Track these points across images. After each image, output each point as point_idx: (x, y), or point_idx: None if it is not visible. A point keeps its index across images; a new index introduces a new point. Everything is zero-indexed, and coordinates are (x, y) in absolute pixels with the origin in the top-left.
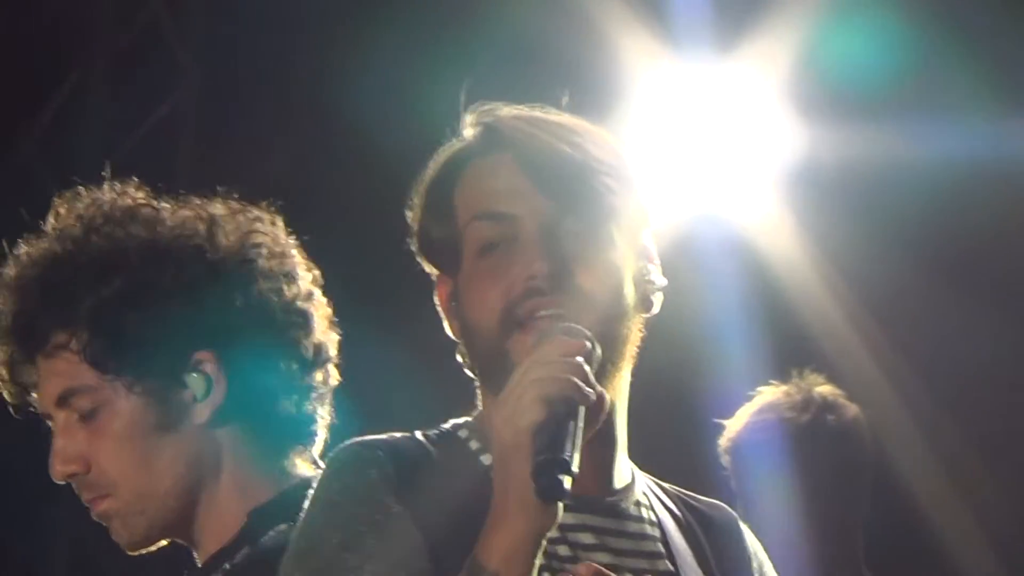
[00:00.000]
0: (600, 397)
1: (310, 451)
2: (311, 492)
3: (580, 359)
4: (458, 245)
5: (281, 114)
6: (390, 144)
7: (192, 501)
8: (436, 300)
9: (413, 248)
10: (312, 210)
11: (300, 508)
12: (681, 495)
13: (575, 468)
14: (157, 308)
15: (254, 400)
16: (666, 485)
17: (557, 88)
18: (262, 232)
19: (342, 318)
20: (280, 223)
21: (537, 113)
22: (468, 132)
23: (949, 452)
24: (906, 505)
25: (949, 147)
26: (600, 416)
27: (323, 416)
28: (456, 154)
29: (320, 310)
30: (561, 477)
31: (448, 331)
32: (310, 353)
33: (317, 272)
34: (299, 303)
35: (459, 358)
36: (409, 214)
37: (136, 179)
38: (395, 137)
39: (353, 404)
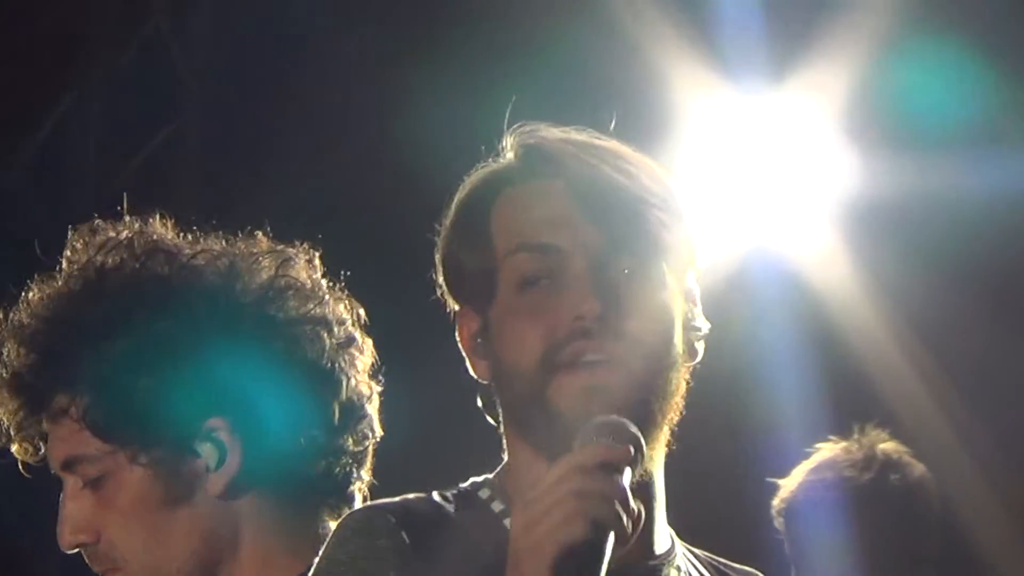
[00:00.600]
0: (636, 519)
1: None
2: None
3: (625, 478)
4: (493, 277)
5: (297, 139)
6: (424, 173)
7: None
8: (458, 337)
9: (438, 279)
10: (339, 246)
11: None
12: (713, 561)
13: None
14: (166, 371)
15: (274, 468)
16: (697, 551)
17: (605, 114)
18: (291, 277)
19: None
20: (316, 262)
21: (585, 137)
22: (509, 153)
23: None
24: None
25: (1008, 181)
26: (633, 538)
27: (361, 478)
28: (495, 176)
29: (359, 358)
30: None
31: (472, 372)
32: (338, 415)
33: (361, 311)
34: (326, 361)
35: (480, 403)
36: (436, 240)
37: (132, 210)
38: (429, 165)
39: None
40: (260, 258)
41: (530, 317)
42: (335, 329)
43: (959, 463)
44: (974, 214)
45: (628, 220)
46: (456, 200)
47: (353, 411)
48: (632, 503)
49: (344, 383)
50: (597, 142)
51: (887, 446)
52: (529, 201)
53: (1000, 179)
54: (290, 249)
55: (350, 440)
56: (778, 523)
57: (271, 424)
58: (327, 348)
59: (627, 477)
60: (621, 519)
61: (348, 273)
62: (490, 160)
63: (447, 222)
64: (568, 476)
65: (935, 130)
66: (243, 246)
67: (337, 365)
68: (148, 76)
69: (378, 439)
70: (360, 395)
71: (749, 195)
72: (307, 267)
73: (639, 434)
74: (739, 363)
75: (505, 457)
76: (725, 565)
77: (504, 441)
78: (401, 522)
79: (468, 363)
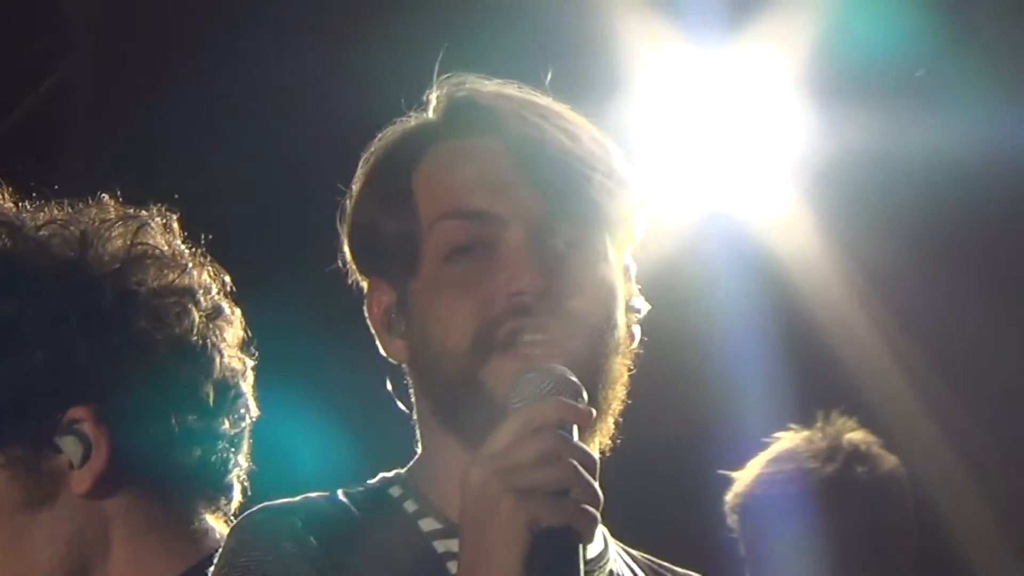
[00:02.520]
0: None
1: (225, 507)
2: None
3: (585, 461)
4: (415, 245)
5: (198, 94)
6: (334, 133)
7: None
8: (368, 313)
9: (344, 249)
10: (233, 213)
11: None
12: (652, 564)
13: None
14: (16, 358)
15: (145, 460)
16: (634, 552)
17: (546, 67)
18: (148, 244)
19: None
20: (175, 227)
21: (521, 92)
22: (436, 107)
23: (1012, 512)
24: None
25: (973, 136)
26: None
27: (239, 464)
28: (420, 131)
29: (229, 330)
30: None
31: (384, 352)
32: (211, 397)
33: (227, 278)
34: (195, 338)
35: (391, 387)
36: (345, 204)
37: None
38: (341, 124)
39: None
40: (112, 225)
41: (461, 291)
42: (201, 299)
43: (939, 455)
44: (941, 171)
45: (572, 186)
46: (372, 157)
47: (227, 390)
48: (598, 491)
49: (217, 360)
50: (535, 99)
51: (854, 436)
52: (460, 161)
53: (965, 134)
54: (145, 213)
55: (226, 423)
56: (731, 520)
57: (139, 411)
58: (195, 322)
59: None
60: (591, 525)
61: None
62: (412, 115)
63: (360, 183)
64: (513, 466)
65: (897, 85)
66: (93, 212)
67: (208, 340)
68: (31, 20)
69: (254, 419)
70: (234, 372)
71: (704, 156)
72: (165, 232)
73: (584, 390)
74: (691, 341)
75: (419, 449)
76: (665, 568)
77: (419, 431)
78: (307, 525)
79: (379, 342)
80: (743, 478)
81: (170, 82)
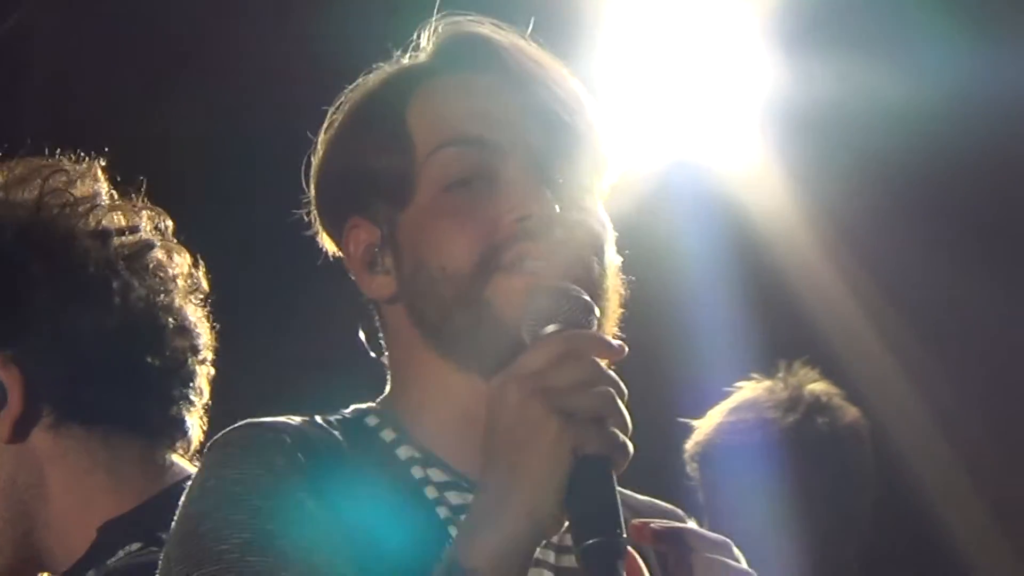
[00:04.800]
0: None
1: (182, 444)
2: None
3: (620, 391)
4: (409, 179)
5: (158, 42)
6: (314, 83)
7: (26, 527)
8: (347, 253)
9: (318, 186)
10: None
11: (163, 520)
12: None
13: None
14: None
15: (66, 400)
16: None
17: (514, 13)
18: (61, 189)
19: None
20: (99, 172)
21: (514, 35)
22: (429, 45)
23: (978, 463)
24: (920, 532)
25: (941, 81)
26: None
27: (189, 400)
28: (414, 68)
29: (165, 267)
30: (620, 569)
31: (365, 290)
32: (123, 334)
33: (168, 221)
34: (101, 277)
35: (362, 330)
36: (320, 144)
37: None
38: (318, 75)
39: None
40: (27, 175)
41: (462, 217)
42: (116, 240)
43: (903, 407)
44: (911, 120)
45: (567, 125)
46: (358, 97)
47: (152, 327)
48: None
49: (131, 298)
50: (524, 41)
51: (816, 387)
52: (460, 93)
53: (936, 82)
54: (65, 162)
55: (153, 358)
56: (691, 468)
57: (49, 353)
58: (102, 262)
59: None
60: (626, 452)
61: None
62: (398, 56)
63: (341, 124)
64: (546, 380)
65: (866, 32)
66: (12, 163)
67: (119, 280)
68: None
69: (205, 357)
70: (164, 309)
71: (671, 104)
72: (87, 178)
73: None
74: (655, 290)
75: (391, 386)
76: (629, 496)
77: (398, 366)
78: (295, 443)
79: (359, 282)
80: (704, 427)
81: (128, 28)
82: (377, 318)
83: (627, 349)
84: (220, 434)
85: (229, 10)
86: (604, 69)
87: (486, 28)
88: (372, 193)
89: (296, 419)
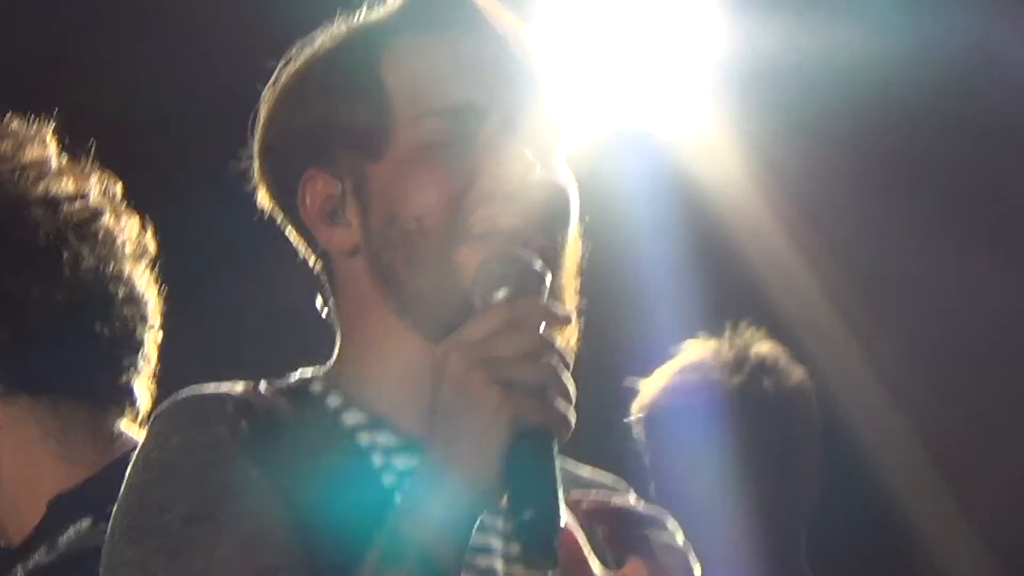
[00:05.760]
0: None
1: (131, 413)
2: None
3: (564, 361)
4: (383, 131)
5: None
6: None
7: None
8: (303, 204)
9: (266, 139)
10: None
11: (113, 494)
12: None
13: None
14: None
15: (9, 367)
16: None
17: None
18: (12, 151)
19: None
20: (47, 138)
21: None
22: (393, 2)
23: (929, 427)
24: (867, 494)
25: (897, 38)
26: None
27: (136, 369)
28: (384, 23)
29: (112, 237)
30: (555, 543)
31: (324, 243)
32: (67, 300)
33: (117, 188)
34: (41, 243)
35: (320, 283)
36: (274, 97)
37: None
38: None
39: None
40: None
41: (440, 172)
42: (69, 206)
43: (850, 368)
44: (862, 80)
45: (540, 85)
46: (320, 50)
47: (96, 293)
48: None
49: (73, 264)
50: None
51: (762, 347)
52: (439, 52)
53: (888, 40)
54: (14, 124)
55: (99, 326)
56: (636, 431)
57: (1, 320)
58: (41, 228)
59: None
60: (569, 426)
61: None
62: (356, 15)
63: (298, 75)
64: (493, 345)
65: None
66: None
67: (62, 245)
68: None
69: (153, 324)
70: (109, 275)
71: (617, 67)
72: (36, 141)
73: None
74: (600, 251)
75: (340, 346)
76: (573, 464)
77: (349, 323)
78: (238, 411)
79: (316, 232)
80: (649, 388)
81: None
82: (325, 274)
83: (574, 318)
84: (163, 404)
85: None
86: (548, 31)
87: None
88: (336, 144)
89: (239, 386)
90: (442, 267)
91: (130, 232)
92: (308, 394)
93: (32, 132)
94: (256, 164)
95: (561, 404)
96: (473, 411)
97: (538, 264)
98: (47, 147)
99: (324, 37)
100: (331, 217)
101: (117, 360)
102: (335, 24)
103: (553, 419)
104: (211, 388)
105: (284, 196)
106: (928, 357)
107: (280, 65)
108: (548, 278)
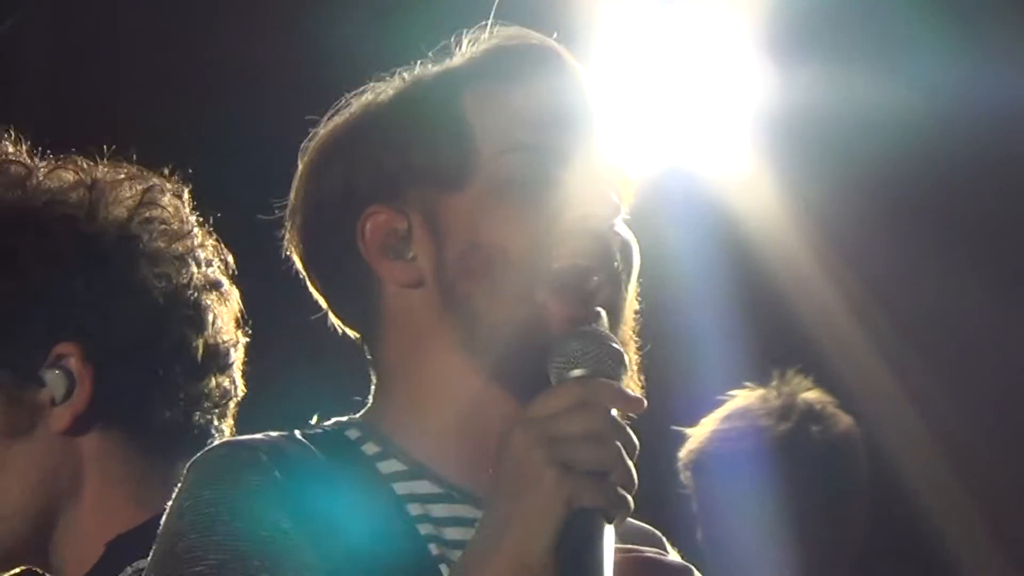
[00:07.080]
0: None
1: None
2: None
3: (628, 444)
4: (466, 166)
5: (173, 45)
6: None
7: (47, 524)
8: (365, 237)
9: (321, 182)
10: (217, 182)
11: None
12: None
13: None
14: (10, 284)
15: (126, 406)
16: None
17: (509, 21)
18: (157, 205)
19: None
20: (185, 196)
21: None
22: (478, 49)
23: (977, 477)
24: (913, 539)
25: (933, 92)
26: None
27: (221, 431)
28: (463, 69)
29: (225, 305)
30: None
31: (388, 278)
32: (200, 356)
33: (230, 258)
34: (192, 293)
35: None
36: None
37: None
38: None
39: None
40: (124, 181)
41: (527, 205)
42: (203, 267)
43: (897, 415)
44: (900, 128)
45: (610, 131)
46: (390, 95)
47: (217, 356)
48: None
49: (210, 321)
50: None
51: (809, 395)
52: (520, 97)
53: (925, 90)
54: (156, 177)
55: (212, 386)
56: (684, 477)
57: (127, 356)
58: (194, 281)
59: None
60: (627, 510)
61: (219, 214)
62: (424, 63)
63: (366, 118)
64: (582, 412)
65: (856, 39)
66: (105, 169)
67: (203, 301)
68: None
69: (239, 395)
70: (227, 343)
71: (662, 112)
72: (174, 199)
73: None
74: (648, 298)
75: (375, 394)
76: None
77: (401, 356)
78: (271, 460)
79: (377, 267)
80: (697, 435)
81: (131, 31)
82: (373, 316)
83: (646, 404)
84: (199, 455)
85: (233, 8)
86: (596, 76)
87: (540, 38)
88: (405, 180)
89: (274, 435)
90: (523, 303)
91: (233, 305)
92: (344, 440)
93: (173, 187)
94: (299, 217)
95: (619, 487)
96: (530, 489)
97: (617, 345)
98: (185, 204)
99: (383, 87)
100: (393, 252)
101: (212, 422)
102: (380, 78)
103: (611, 502)
104: (246, 437)
105: (331, 243)
106: (973, 400)
107: (328, 115)
108: (627, 360)
